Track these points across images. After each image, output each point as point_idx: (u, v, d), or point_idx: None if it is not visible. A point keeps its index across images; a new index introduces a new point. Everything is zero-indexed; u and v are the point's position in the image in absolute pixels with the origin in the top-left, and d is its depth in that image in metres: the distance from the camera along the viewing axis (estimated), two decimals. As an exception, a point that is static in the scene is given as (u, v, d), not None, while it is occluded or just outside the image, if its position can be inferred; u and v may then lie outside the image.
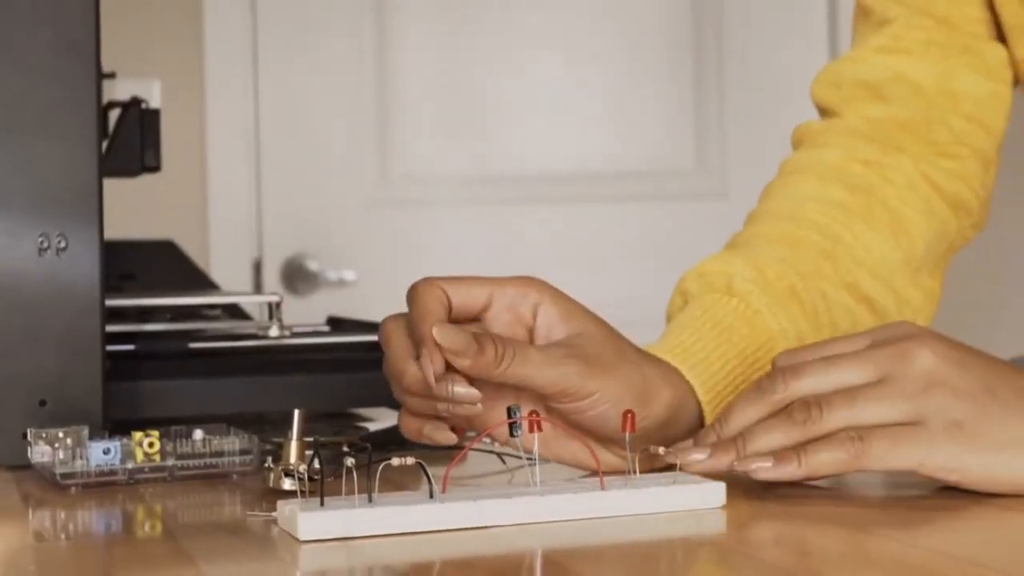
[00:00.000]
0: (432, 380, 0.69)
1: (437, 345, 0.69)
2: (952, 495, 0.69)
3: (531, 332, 0.75)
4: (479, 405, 0.70)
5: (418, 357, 0.70)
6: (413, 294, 0.72)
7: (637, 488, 0.67)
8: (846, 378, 0.70)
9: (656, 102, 2.63)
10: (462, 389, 0.69)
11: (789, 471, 0.68)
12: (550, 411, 0.74)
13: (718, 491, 0.68)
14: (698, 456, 0.70)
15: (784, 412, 0.70)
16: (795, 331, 0.87)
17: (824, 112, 1.10)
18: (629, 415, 0.69)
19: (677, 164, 2.64)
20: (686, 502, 0.67)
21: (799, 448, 0.68)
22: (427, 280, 0.73)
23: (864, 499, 0.70)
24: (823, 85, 1.09)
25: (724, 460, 0.69)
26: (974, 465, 0.67)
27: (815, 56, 2.65)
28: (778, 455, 0.68)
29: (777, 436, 0.69)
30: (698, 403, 0.80)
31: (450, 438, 0.71)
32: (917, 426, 0.67)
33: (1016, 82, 1.04)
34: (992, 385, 0.68)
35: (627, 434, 0.69)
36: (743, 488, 0.70)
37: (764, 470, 0.68)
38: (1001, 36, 1.03)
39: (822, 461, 0.68)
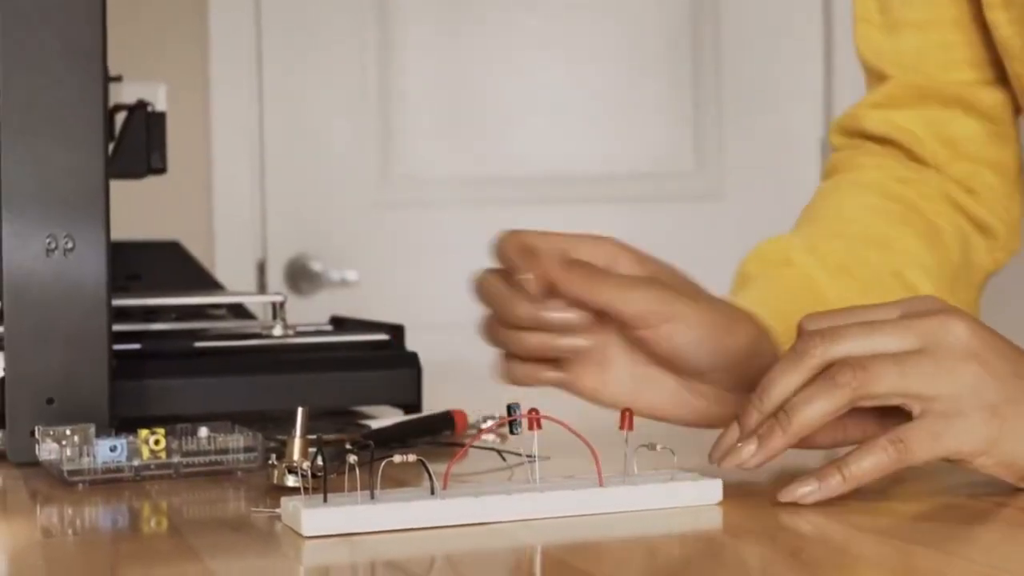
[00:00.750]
0: (534, 289, 0.71)
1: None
2: (950, 495, 0.69)
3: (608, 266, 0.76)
4: (580, 340, 0.72)
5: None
6: (501, 244, 0.75)
7: (635, 485, 0.67)
8: (887, 344, 0.66)
9: (655, 105, 2.63)
10: (563, 314, 0.71)
11: (835, 487, 0.65)
12: (636, 345, 0.75)
13: (715, 487, 0.68)
14: (750, 450, 0.67)
15: (825, 375, 0.66)
16: (849, 301, 0.86)
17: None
18: (627, 413, 0.69)
19: (675, 166, 2.64)
20: (683, 498, 0.67)
21: (839, 462, 0.66)
22: (511, 231, 0.75)
23: (860, 496, 0.70)
24: (836, 133, 1.12)
25: (775, 445, 0.66)
26: (1002, 451, 0.66)
27: (810, 61, 2.65)
28: (819, 473, 0.66)
29: (821, 404, 0.65)
30: (774, 345, 0.79)
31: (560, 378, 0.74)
32: (951, 412, 0.65)
33: (1018, 111, 1.06)
34: (1020, 370, 0.67)
35: (626, 432, 0.69)
36: (740, 484, 0.70)
37: (811, 494, 0.66)
38: (1001, 70, 1.04)
39: (865, 469, 0.65)
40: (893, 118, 1.06)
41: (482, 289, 0.75)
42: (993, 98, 1.04)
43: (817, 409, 0.66)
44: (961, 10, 1.04)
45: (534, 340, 0.74)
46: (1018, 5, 0.98)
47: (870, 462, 0.65)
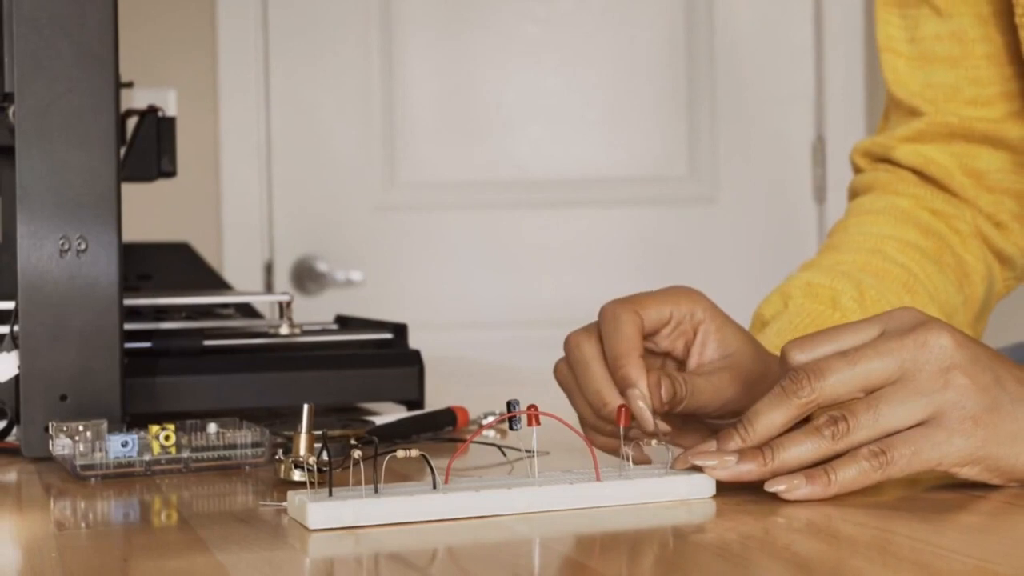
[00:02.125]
0: (649, 427, 0.71)
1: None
2: (933, 485, 0.70)
3: (688, 344, 0.76)
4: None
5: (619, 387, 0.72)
6: (613, 319, 0.74)
7: (630, 479, 0.67)
8: (869, 373, 0.66)
9: (650, 111, 2.63)
10: (663, 426, 0.72)
11: (819, 490, 0.66)
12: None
13: (708, 482, 0.68)
14: (726, 461, 0.67)
15: (811, 426, 0.67)
16: None
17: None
18: (622, 409, 0.70)
19: (670, 170, 2.64)
20: (677, 492, 0.68)
21: (827, 467, 0.66)
22: (624, 304, 0.74)
23: (850, 491, 0.70)
24: (861, 156, 1.11)
25: (751, 468, 0.67)
26: (986, 458, 0.66)
27: (801, 69, 2.65)
28: (807, 473, 0.66)
29: (806, 448, 0.66)
30: None
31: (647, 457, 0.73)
32: (934, 427, 0.66)
33: None
34: (1000, 375, 0.67)
35: (620, 427, 0.69)
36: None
37: (797, 491, 0.66)
38: None
39: (850, 478, 0.66)
40: (924, 151, 1.06)
41: (581, 363, 0.75)
42: (1021, 131, 1.05)
43: (800, 454, 0.67)
44: (992, 44, 1.04)
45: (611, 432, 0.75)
46: None
47: (855, 472, 0.66)
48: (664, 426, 0.72)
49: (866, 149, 1.10)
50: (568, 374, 0.76)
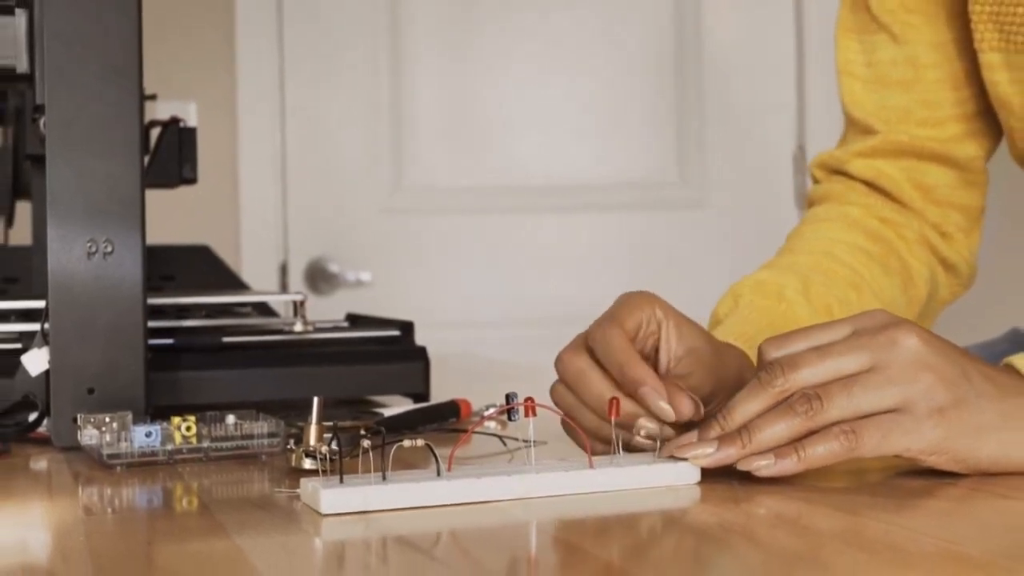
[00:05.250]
0: (670, 417, 0.71)
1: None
2: (905, 471, 0.70)
3: (655, 343, 0.77)
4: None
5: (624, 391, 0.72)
6: (602, 338, 0.74)
7: (621, 467, 0.67)
8: (841, 366, 0.67)
9: (642, 121, 2.63)
10: (668, 430, 0.72)
11: (789, 466, 0.66)
12: None
13: (693, 469, 0.68)
14: (706, 450, 0.67)
15: (785, 405, 0.67)
16: None
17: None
18: (614, 402, 0.70)
19: (661, 176, 2.64)
20: (665, 479, 0.68)
21: (796, 444, 0.66)
22: (607, 323, 0.75)
23: (826, 475, 0.70)
24: (818, 168, 1.13)
25: (730, 452, 0.67)
26: (952, 449, 0.66)
27: (784, 81, 2.65)
28: (777, 452, 0.66)
29: (780, 428, 0.66)
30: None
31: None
32: (904, 414, 0.66)
33: (988, 157, 1.08)
34: (967, 370, 0.67)
35: (613, 419, 0.70)
36: (716, 467, 0.70)
37: (766, 467, 0.66)
38: (981, 121, 1.06)
39: (819, 454, 0.65)
40: (876, 165, 1.07)
41: (576, 377, 0.75)
42: (969, 151, 1.06)
43: (775, 433, 0.66)
44: (945, 70, 1.04)
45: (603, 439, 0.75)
46: (1018, 68, 0.98)
47: (823, 448, 0.65)
48: (668, 430, 0.72)
49: (823, 162, 1.11)
50: (566, 392, 0.75)
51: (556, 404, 0.75)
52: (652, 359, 0.77)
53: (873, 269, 1.02)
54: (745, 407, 0.68)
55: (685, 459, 0.68)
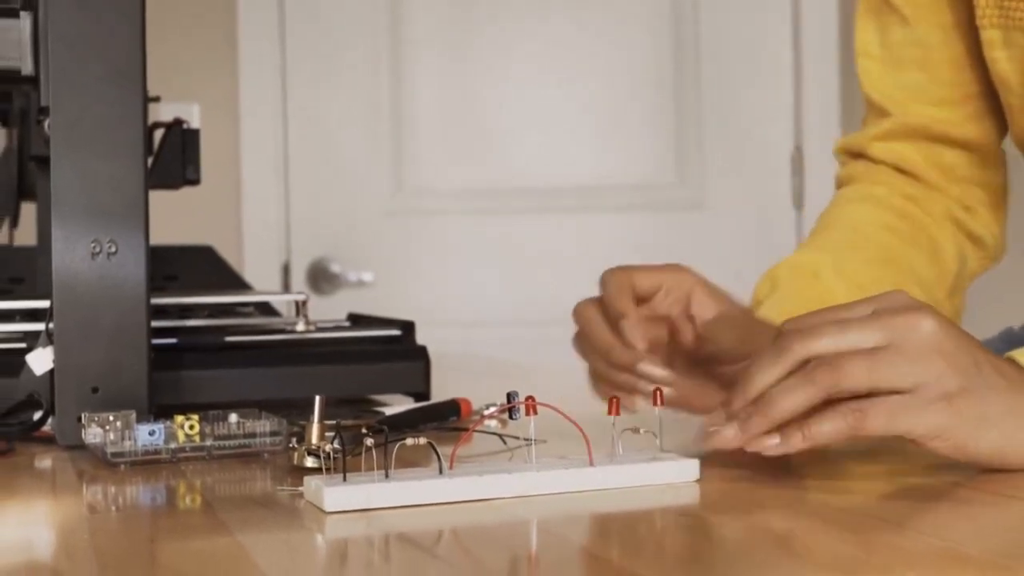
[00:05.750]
0: (639, 345, 0.76)
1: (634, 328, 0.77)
2: (909, 474, 0.70)
3: (685, 310, 0.80)
4: (664, 382, 0.77)
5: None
6: (606, 279, 0.79)
7: (621, 464, 0.67)
8: (859, 340, 0.66)
9: (641, 122, 2.63)
10: (659, 371, 0.75)
11: (796, 443, 0.65)
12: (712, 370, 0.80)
13: (692, 466, 0.68)
14: (729, 432, 0.67)
15: (803, 373, 0.66)
16: None
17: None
18: (614, 401, 0.70)
19: (660, 178, 2.64)
20: (664, 476, 0.68)
21: (802, 423, 0.65)
22: (616, 268, 0.80)
23: (826, 475, 0.70)
24: (842, 152, 1.15)
25: (753, 427, 0.66)
26: (955, 436, 0.65)
27: (782, 83, 2.65)
28: (783, 431, 0.65)
29: (798, 395, 0.65)
30: None
31: (640, 406, 0.76)
32: (913, 396, 0.65)
33: (1003, 136, 1.09)
34: (979, 360, 0.67)
35: (613, 418, 0.69)
36: (716, 464, 0.70)
37: (773, 447, 0.65)
38: (989, 101, 1.07)
39: (824, 432, 0.65)
40: (895, 148, 1.09)
41: (584, 320, 0.78)
42: (981, 130, 1.07)
43: (793, 401, 0.65)
44: (952, 51, 1.06)
45: (623, 379, 0.77)
46: (1017, 44, 0.99)
47: (829, 426, 0.65)
48: (660, 372, 0.73)
49: (846, 145, 1.14)
50: (580, 339, 0.80)
51: (577, 351, 0.81)
52: (685, 325, 0.80)
53: (902, 246, 1.03)
54: (764, 374, 0.67)
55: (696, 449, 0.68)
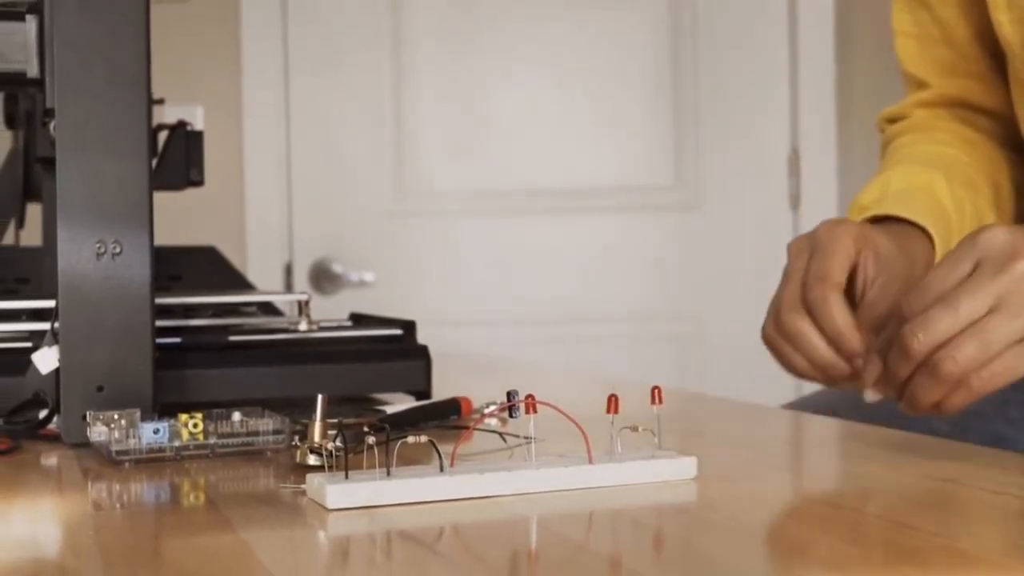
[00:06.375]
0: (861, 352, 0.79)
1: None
2: (917, 473, 0.70)
3: (853, 269, 0.84)
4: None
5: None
6: (824, 305, 0.81)
7: (619, 462, 0.67)
8: (971, 312, 0.71)
9: (639, 125, 2.63)
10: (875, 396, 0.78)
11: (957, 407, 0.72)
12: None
13: (690, 465, 0.68)
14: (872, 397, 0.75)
15: (932, 371, 0.71)
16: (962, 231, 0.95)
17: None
18: (613, 399, 0.70)
19: (657, 179, 2.64)
20: (662, 474, 0.68)
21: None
22: (827, 286, 0.81)
23: (821, 478, 0.70)
24: (884, 121, 1.19)
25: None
26: None
27: (777, 88, 2.65)
28: (907, 399, 0.73)
29: (935, 393, 0.72)
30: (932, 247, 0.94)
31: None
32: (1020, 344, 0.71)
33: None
34: None
35: (612, 416, 0.69)
36: (712, 463, 0.70)
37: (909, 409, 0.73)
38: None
39: (958, 405, 0.72)
40: (936, 112, 1.13)
41: (791, 329, 0.82)
42: (1008, 103, 1.10)
43: (931, 398, 0.72)
44: (973, 27, 1.09)
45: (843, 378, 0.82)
46: (1018, 6, 1.02)
47: (960, 400, 0.72)
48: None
49: (887, 114, 1.18)
50: (779, 341, 0.82)
51: (769, 346, 0.83)
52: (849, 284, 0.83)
53: (973, 170, 1.06)
54: (895, 372, 0.73)
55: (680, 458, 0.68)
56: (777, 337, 0.83)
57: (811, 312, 0.80)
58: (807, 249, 0.84)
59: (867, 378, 0.77)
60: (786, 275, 0.84)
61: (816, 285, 0.81)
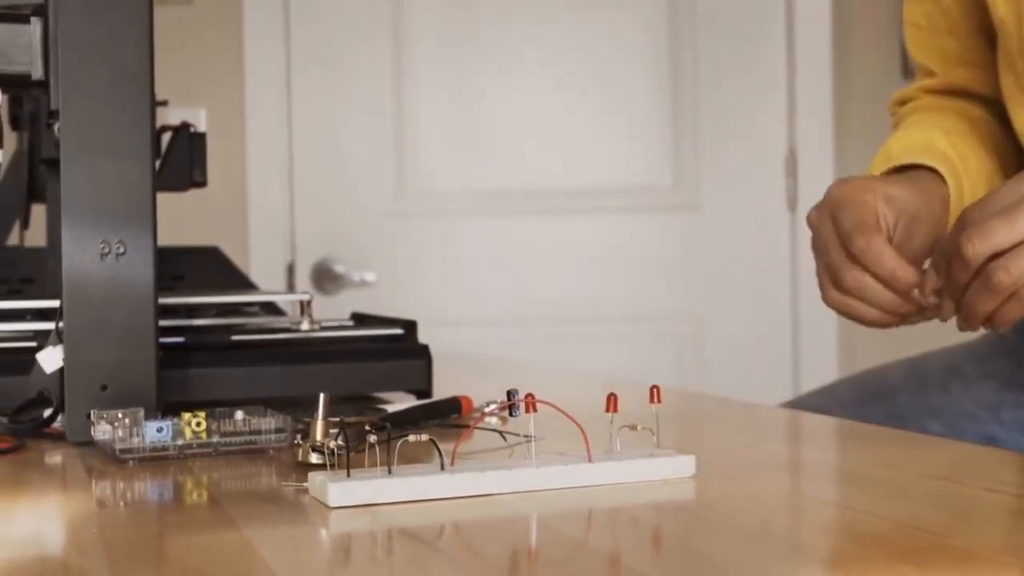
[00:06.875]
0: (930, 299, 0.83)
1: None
2: (914, 472, 0.70)
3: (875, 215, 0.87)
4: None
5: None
6: (874, 253, 0.84)
7: (619, 460, 0.67)
8: None
9: (639, 127, 2.63)
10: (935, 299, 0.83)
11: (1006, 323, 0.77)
12: None
13: (688, 463, 0.68)
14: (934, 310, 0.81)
15: (986, 280, 0.75)
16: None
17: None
18: (612, 398, 0.70)
19: (656, 180, 2.64)
20: (661, 472, 0.68)
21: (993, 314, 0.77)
22: (869, 234, 0.85)
23: (821, 475, 0.70)
24: (895, 104, 1.23)
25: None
26: None
27: (775, 91, 2.65)
28: (964, 317, 0.78)
29: (988, 304, 0.75)
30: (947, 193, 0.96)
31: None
32: None
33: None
34: None
35: (611, 415, 0.69)
36: (711, 462, 0.70)
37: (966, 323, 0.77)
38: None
39: (1010, 316, 0.75)
40: (942, 99, 1.15)
41: (875, 254, 0.85)
42: (1000, 89, 1.12)
43: (985, 308, 0.76)
44: (976, 19, 1.11)
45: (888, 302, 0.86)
46: None
47: (1016, 311, 0.76)
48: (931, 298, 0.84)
49: (899, 96, 1.21)
50: (840, 296, 0.86)
51: (837, 309, 0.87)
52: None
53: (975, 138, 1.08)
54: (955, 286, 0.77)
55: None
56: (841, 297, 0.85)
57: (860, 261, 0.83)
58: (827, 213, 0.86)
59: (926, 289, 0.79)
60: (818, 244, 0.87)
61: (856, 236, 0.84)
